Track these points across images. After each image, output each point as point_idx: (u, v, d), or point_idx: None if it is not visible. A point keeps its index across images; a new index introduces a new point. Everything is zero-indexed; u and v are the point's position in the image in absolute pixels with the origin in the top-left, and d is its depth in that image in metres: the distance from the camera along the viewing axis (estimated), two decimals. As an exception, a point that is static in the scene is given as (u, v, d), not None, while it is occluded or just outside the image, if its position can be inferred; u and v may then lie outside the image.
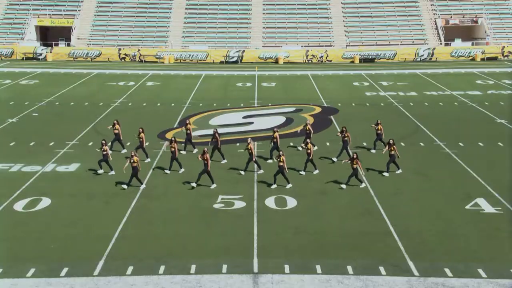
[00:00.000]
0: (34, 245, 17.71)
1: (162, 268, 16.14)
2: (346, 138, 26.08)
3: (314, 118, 35.10)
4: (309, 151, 23.93)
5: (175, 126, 33.27)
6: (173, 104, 39.81)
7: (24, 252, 17.18)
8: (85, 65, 59.94)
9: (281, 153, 22.47)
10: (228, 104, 40.00)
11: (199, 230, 18.82)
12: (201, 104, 39.80)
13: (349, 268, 16.09)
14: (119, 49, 64.01)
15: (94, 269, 16.05)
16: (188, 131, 27.48)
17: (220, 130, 32.14)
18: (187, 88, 46.71)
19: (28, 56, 64.16)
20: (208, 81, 50.77)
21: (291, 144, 28.90)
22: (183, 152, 27.00)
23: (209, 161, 22.37)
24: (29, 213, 20.35)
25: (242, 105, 39.87)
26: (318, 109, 37.96)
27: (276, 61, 62.47)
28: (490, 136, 30.49)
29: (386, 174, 24.20)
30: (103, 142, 24.33)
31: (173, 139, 24.54)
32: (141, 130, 26.27)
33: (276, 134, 26.13)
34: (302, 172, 24.32)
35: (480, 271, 15.91)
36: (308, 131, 27.10)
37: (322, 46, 65.37)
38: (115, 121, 27.58)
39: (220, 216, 20.01)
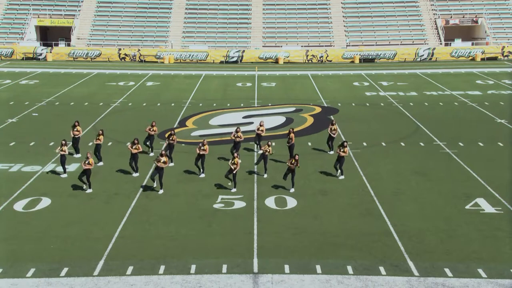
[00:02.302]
0: (34, 245, 17.70)
1: (162, 268, 16.13)
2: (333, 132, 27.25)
3: (314, 118, 35.12)
4: (266, 153, 23.79)
5: (175, 126, 33.27)
6: (173, 104, 39.81)
7: (24, 252, 17.17)
8: (85, 65, 59.95)
9: (236, 155, 22.54)
10: (228, 104, 40.01)
11: (199, 230, 18.82)
12: (201, 104, 39.81)
13: (349, 268, 16.09)
14: (119, 49, 64.01)
15: (94, 269, 16.05)
16: (153, 132, 27.23)
17: (220, 130, 32.27)
18: (187, 88, 46.71)
19: (28, 56, 64.17)
20: (208, 81, 50.76)
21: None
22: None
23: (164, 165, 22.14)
24: (29, 213, 20.34)
25: (242, 105, 39.87)
26: (318, 109, 37.95)
27: (276, 61, 62.47)
28: (490, 136, 30.50)
29: (342, 177, 23.84)
30: (63, 142, 24.01)
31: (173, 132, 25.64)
32: (100, 132, 26.02)
33: (239, 134, 26.19)
34: (265, 175, 24.10)
35: (480, 271, 15.91)
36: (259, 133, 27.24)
37: (322, 46, 65.38)
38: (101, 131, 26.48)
39: (220, 216, 20.01)
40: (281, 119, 34.75)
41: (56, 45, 66.68)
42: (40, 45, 66.46)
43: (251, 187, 22.88)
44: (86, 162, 21.92)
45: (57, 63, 61.49)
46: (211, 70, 56.90)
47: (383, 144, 29.21)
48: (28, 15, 68.51)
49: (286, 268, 16.14)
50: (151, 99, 41.88)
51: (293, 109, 38.10)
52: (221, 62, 62.67)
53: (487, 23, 67.14)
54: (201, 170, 24.25)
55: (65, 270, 16.00)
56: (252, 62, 62.20)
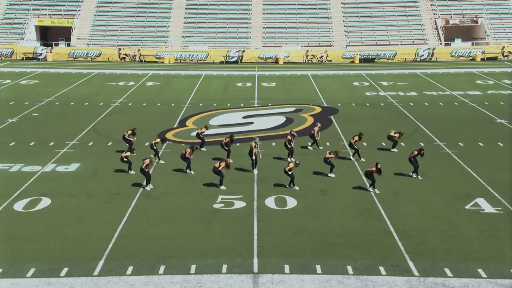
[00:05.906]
0: (34, 245, 17.70)
1: (162, 268, 16.13)
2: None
3: (314, 118, 35.10)
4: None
5: (175, 126, 33.26)
6: (173, 104, 39.81)
7: (24, 252, 17.17)
8: (85, 65, 59.95)
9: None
10: (228, 104, 40.01)
11: (199, 230, 18.82)
12: (201, 104, 39.80)
13: (349, 268, 16.08)
14: (119, 49, 64.01)
15: (94, 269, 16.04)
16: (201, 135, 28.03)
17: (220, 131, 32.25)
18: (187, 88, 46.71)
19: (28, 56, 64.16)
20: (208, 81, 50.76)
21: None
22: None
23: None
24: (29, 213, 20.34)
25: (242, 105, 39.88)
26: (318, 109, 37.95)
27: (276, 61, 62.47)
28: (490, 136, 30.49)
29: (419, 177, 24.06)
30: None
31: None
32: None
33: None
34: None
35: (480, 271, 15.91)
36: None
37: (322, 46, 65.38)
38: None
39: (220, 216, 20.01)
40: (281, 119, 34.75)
41: (56, 45, 66.68)
42: (40, 45, 66.46)
43: (251, 187, 22.88)
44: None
45: (57, 63, 61.48)
46: (211, 70, 56.90)
47: (383, 144, 29.20)
48: (28, 15, 68.52)
49: (286, 268, 16.13)
50: (151, 99, 41.88)
51: (293, 109, 38.10)
52: (221, 62, 62.67)
53: (487, 23, 67.14)
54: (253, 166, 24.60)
55: (65, 270, 16.00)
56: (252, 62, 62.20)
